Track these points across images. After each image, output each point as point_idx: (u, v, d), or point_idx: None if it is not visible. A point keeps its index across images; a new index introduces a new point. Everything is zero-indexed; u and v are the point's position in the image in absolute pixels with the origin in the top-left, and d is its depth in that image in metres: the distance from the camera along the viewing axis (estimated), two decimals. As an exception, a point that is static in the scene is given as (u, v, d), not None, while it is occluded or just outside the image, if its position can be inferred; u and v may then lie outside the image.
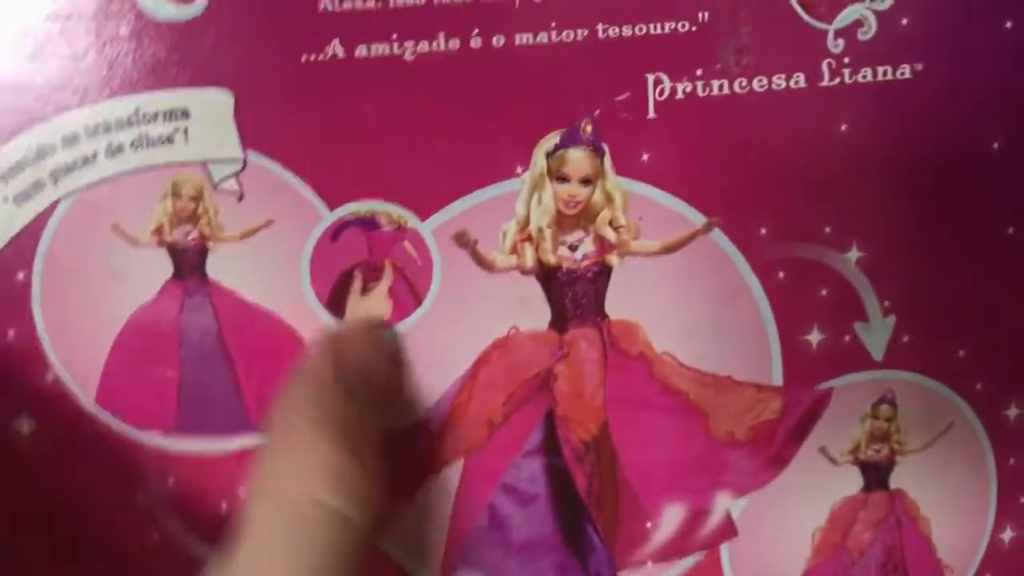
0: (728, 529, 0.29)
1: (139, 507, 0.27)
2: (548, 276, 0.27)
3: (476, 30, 0.25)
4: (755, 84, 0.26)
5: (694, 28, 0.26)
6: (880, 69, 0.27)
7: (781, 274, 0.28)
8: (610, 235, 0.27)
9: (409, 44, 0.25)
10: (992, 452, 0.30)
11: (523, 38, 0.26)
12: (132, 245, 0.26)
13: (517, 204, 0.27)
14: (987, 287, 0.29)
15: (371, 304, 0.27)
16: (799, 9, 0.26)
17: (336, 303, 0.27)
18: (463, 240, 0.26)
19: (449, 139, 0.26)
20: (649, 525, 0.29)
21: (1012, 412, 0.30)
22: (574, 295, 0.27)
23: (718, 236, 0.27)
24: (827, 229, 0.27)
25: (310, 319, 0.26)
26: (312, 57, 0.25)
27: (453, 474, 0.28)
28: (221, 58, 0.25)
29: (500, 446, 0.28)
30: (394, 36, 0.25)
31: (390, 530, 0.28)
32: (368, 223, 0.26)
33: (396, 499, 0.28)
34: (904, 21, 0.27)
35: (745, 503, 0.29)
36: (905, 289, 0.28)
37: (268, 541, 0.22)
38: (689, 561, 0.29)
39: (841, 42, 0.26)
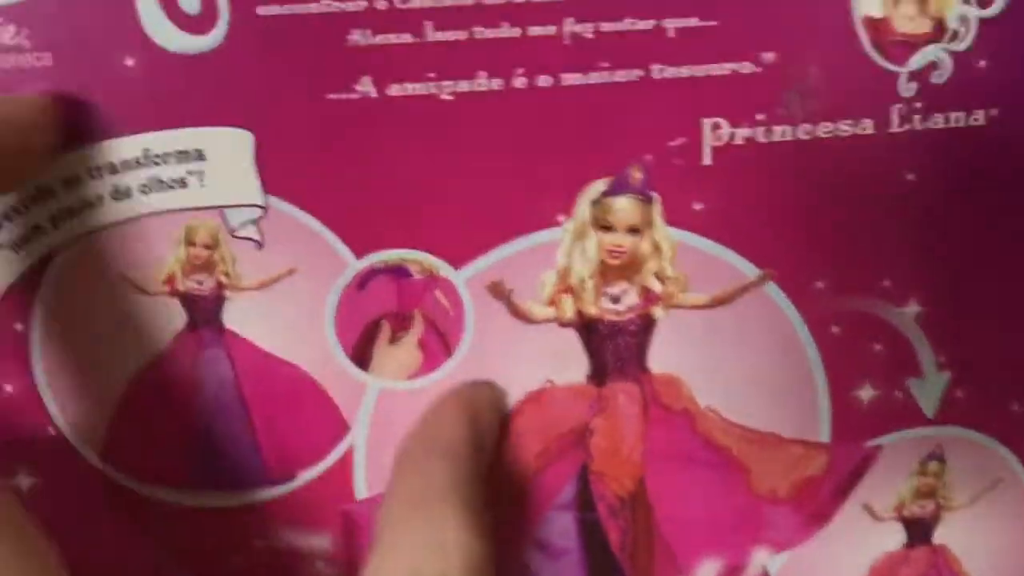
0: (763, 583, 0.28)
1: (147, 563, 0.25)
2: (588, 328, 0.25)
3: (520, 69, 0.23)
4: (820, 130, 0.24)
5: (758, 70, 0.24)
6: (953, 115, 0.25)
7: (835, 329, 0.26)
8: (656, 287, 0.25)
9: (447, 83, 0.23)
10: (1039, 507, 0.29)
11: (571, 78, 0.23)
12: (141, 294, 0.24)
13: (558, 254, 0.25)
14: (1046, 340, 0.27)
15: (400, 355, 0.25)
16: (872, 50, 0.24)
17: (362, 354, 0.25)
18: (498, 290, 0.25)
19: (487, 185, 0.24)
20: (683, 582, 0.27)
21: (1062, 466, 0.28)
22: (615, 348, 0.25)
23: (771, 289, 0.25)
24: (886, 283, 0.26)
25: (334, 371, 0.25)
26: (340, 95, 0.23)
27: (481, 530, 0.26)
28: (240, 94, 0.23)
29: (532, 500, 0.26)
30: (431, 74, 0.23)
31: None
32: (398, 271, 0.24)
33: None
34: (982, 63, 0.24)
35: (783, 559, 0.28)
36: (962, 344, 0.27)
37: None
38: (722, 616, 0.28)
39: (914, 86, 0.24)
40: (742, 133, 0.24)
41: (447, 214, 0.24)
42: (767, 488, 0.27)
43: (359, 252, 0.24)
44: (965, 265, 0.26)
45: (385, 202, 0.24)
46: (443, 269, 0.24)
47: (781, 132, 0.24)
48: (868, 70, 0.24)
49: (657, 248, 0.25)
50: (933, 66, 0.24)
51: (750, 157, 0.24)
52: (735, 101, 0.24)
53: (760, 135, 0.24)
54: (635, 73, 0.24)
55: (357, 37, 0.23)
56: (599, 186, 0.24)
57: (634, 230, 0.25)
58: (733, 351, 0.26)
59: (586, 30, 0.23)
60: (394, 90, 0.23)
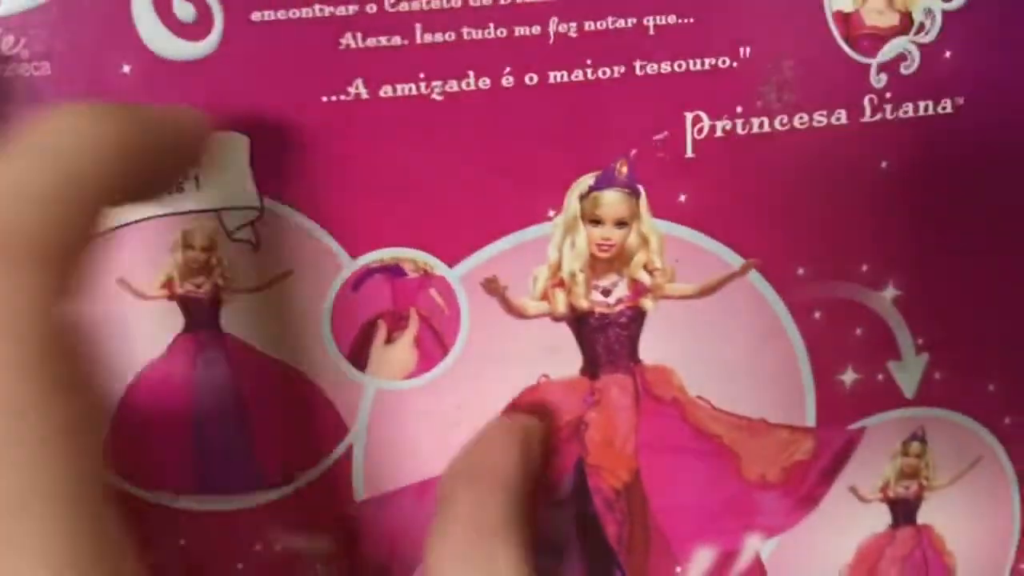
0: (757, 570, 0.28)
1: (147, 569, 0.25)
2: (580, 322, 0.26)
3: (508, 68, 0.24)
4: (796, 121, 0.25)
5: (735, 64, 0.25)
6: (922, 104, 0.26)
7: (817, 314, 0.27)
8: (645, 279, 0.26)
9: (437, 83, 0.24)
10: (1017, 485, 0.29)
11: (557, 76, 0.24)
12: (139, 299, 0.24)
13: (549, 248, 0.25)
14: (1020, 320, 0.28)
15: (396, 354, 0.25)
16: (843, 43, 0.25)
17: (359, 354, 0.25)
18: (492, 287, 0.25)
19: (478, 182, 0.24)
20: (679, 570, 0.28)
21: (1038, 444, 0.29)
22: (607, 341, 0.26)
23: (754, 277, 0.26)
24: (864, 268, 0.27)
25: (331, 372, 0.25)
26: (333, 97, 0.23)
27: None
28: (235, 99, 0.23)
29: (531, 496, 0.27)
30: (421, 75, 0.24)
31: (413, 584, 0.27)
32: (392, 271, 0.25)
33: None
34: (947, 54, 0.25)
35: (774, 543, 0.28)
36: (939, 326, 0.27)
37: None
38: (717, 603, 0.28)
39: (884, 76, 0.25)
40: (722, 125, 0.25)
41: (440, 212, 0.24)
42: (757, 474, 0.28)
43: (354, 252, 0.24)
44: (940, 248, 0.27)
45: (379, 202, 0.24)
46: (437, 267, 0.25)
47: (759, 124, 0.25)
48: (840, 62, 0.25)
49: (645, 240, 0.25)
50: (902, 57, 0.25)
51: (731, 149, 0.25)
52: (714, 95, 0.25)
53: (739, 127, 0.25)
54: (618, 70, 0.24)
55: (349, 41, 0.23)
56: (587, 180, 0.25)
57: (622, 223, 0.25)
58: (720, 340, 0.26)
59: (570, 29, 0.24)
60: (386, 91, 0.24)
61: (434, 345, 0.25)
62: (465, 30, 0.24)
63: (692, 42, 0.24)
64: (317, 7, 0.23)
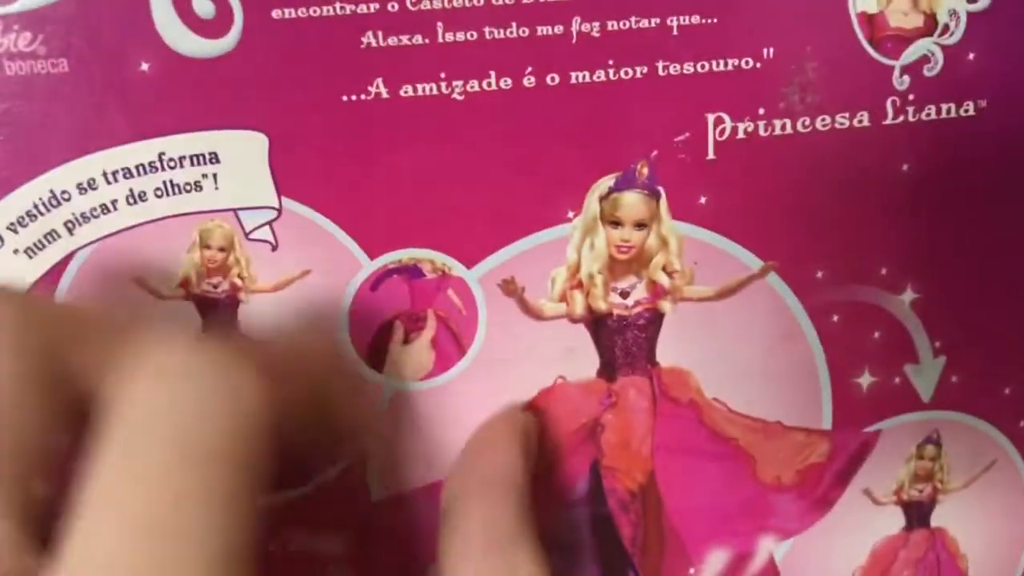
0: (771, 572, 0.28)
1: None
2: (598, 323, 0.26)
3: (530, 68, 0.24)
4: (818, 123, 0.25)
5: (758, 65, 0.24)
6: (944, 106, 0.25)
7: (835, 317, 0.27)
8: (664, 281, 0.25)
9: (458, 83, 0.23)
10: (1032, 487, 0.29)
11: (579, 76, 0.24)
12: (156, 298, 0.24)
13: (568, 249, 0.25)
14: (1036, 324, 0.28)
15: (413, 355, 0.25)
16: (867, 45, 0.25)
17: (376, 355, 0.25)
18: (510, 288, 0.25)
19: (498, 183, 0.24)
20: (693, 571, 0.28)
21: (1052, 447, 0.29)
22: (624, 343, 0.26)
23: (773, 280, 0.26)
24: (883, 271, 0.26)
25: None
26: (353, 97, 0.23)
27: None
28: (254, 97, 0.23)
29: (545, 497, 0.27)
30: (442, 75, 0.23)
31: (427, 585, 0.27)
32: (411, 271, 0.24)
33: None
34: (971, 56, 0.25)
35: (788, 545, 0.28)
36: (956, 329, 0.27)
37: None
38: (730, 605, 0.28)
39: (907, 79, 0.25)
40: (744, 127, 0.25)
41: (459, 213, 0.24)
42: (772, 476, 0.27)
43: (372, 253, 0.24)
44: (958, 252, 0.27)
45: (398, 202, 0.24)
46: (455, 268, 0.25)
47: (781, 125, 0.25)
48: (864, 64, 0.25)
49: (664, 242, 0.25)
50: (925, 59, 0.25)
51: (752, 150, 0.25)
52: (737, 96, 0.25)
53: (761, 129, 0.25)
54: (640, 70, 0.24)
55: (370, 39, 0.23)
56: (607, 182, 0.25)
57: (641, 225, 0.25)
58: (737, 342, 0.26)
59: (593, 29, 0.24)
60: (407, 91, 0.23)
61: (451, 346, 0.25)
62: (487, 29, 0.23)
63: (715, 43, 0.24)
64: (338, 5, 0.23)
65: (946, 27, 0.25)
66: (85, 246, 0.23)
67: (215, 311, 0.24)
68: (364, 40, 0.23)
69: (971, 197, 0.26)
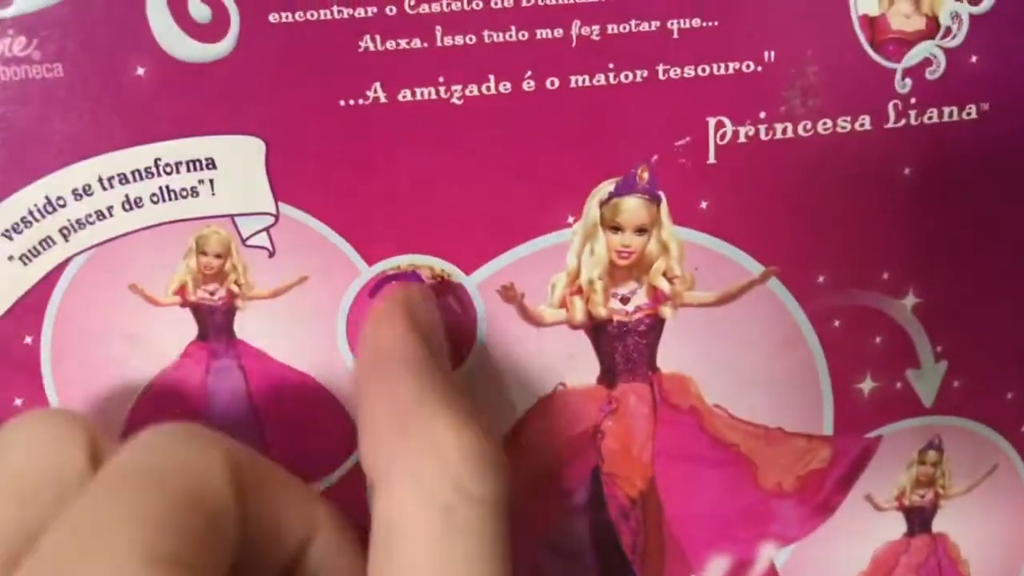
0: (771, 578, 0.28)
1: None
2: (598, 329, 0.25)
3: (529, 71, 0.23)
4: (819, 127, 0.25)
5: (759, 69, 0.24)
6: (946, 110, 0.25)
7: (836, 322, 0.26)
8: (664, 286, 0.25)
9: (457, 87, 0.23)
10: (1033, 492, 0.29)
11: (578, 80, 0.24)
12: (152, 305, 0.24)
13: (568, 255, 0.25)
14: (1038, 329, 0.28)
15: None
16: (868, 48, 0.25)
17: (373, 362, 0.25)
18: (510, 294, 0.25)
19: (497, 188, 0.24)
20: (693, 578, 0.28)
21: (1054, 452, 0.29)
22: (625, 349, 0.26)
23: (774, 285, 0.26)
24: (885, 275, 0.26)
25: (346, 379, 0.25)
26: (351, 101, 0.23)
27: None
28: (251, 102, 0.23)
29: (544, 504, 0.26)
30: (441, 79, 0.23)
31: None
32: (409, 277, 0.24)
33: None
34: (973, 59, 0.25)
35: (789, 552, 0.28)
36: (958, 334, 0.27)
37: (419, 547, 0.18)
38: (731, 612, 0.28)
39: (909, 82, 0.25)
40: (745, 131, 0.25)
41: (458, 218, 0.24)
42: (773, 483, 0.27)
43: (371, 259, 0.24)
44: (961, 256, 0.26)
45: (396, 208, 0.24)
46: (454, 274, 0.24)
47: (782, 129, 0.25)
48: (865, 67, 0.25)
49: (665, 247, 0.25)
50: (927, 62, 0.25)
51: (753, 155, 0.25)
52: (738, 100, 0.24)
53: (762, 133, 0.25)
54: (641, 74, 0.24)
55: (368, 43, 0.23)
56: (607, 187, 0.24)
57: (642, 230, 0.25)
58: (738, 348, 0.26)
59: (592, 32, 0.23)
60: (405, 95, 0.23)
61: (450, 352, 0.25)
62: (486, 33, 0.23)
63: (716, 46, 0.24)
64: (336, 9, 0.22)
65: (948, 30, 0.25)
66: (81, 252, 0.23)
67: (212, 318, 0.24)
68: (362, 44, 0.23)
69: (973, 200, 0.26)
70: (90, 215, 0.23)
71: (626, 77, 0.24)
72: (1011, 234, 0.27)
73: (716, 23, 0.24)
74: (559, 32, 0.23)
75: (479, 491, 0.19)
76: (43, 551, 0.17)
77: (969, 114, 0.25)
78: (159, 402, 0.24)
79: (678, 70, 0.24)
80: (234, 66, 0.22)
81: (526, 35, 0.23)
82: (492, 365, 0.25)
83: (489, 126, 0.24)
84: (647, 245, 0.25)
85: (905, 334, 0.27)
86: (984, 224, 0.26)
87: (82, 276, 0.23)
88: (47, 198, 0.22)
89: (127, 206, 0.23)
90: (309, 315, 0.24)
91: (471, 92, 0.23)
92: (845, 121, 0.25)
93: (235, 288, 0.24)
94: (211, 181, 0.23)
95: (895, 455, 0.28)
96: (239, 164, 0.23)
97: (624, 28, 0.24)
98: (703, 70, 0.24)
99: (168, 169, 0.23)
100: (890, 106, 0.25)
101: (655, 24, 0.24)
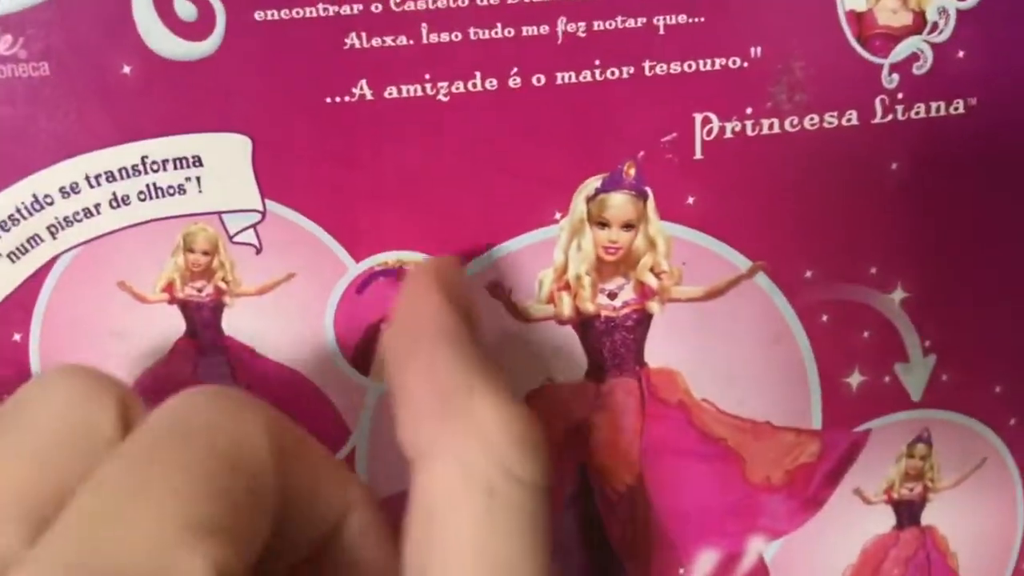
0: (761, 572, 0.28)
1: None
2: (586, 325, 0.25)
3: (515, 68, 0.23)
4: (806, 123, 0.25)
5: (745, 64, 0.24)
6: (934, 105, 0.25)
7: (824, 317, 0.26)
8: (651, 281, 0.25)
9: (443, 84, 0.23)
10: (1022, 486, 0.29)
11: (565, 76, 0.24)
12: (140, 302, 0.24)
13: (555, 251, 0.25)
14: (1026, 322, 0.28)
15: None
16: (855, 43, 0.25)
17: (362, 358, 0.25)
18: (497, 290, 0.25)
19: (484, 184, 0.24)
20: (682, 572, 0.28)
21: (1043, 445, 0.29)
22: (612, 344, 0.26)
23: (762, 280, 0.26)
24: (872, 270, 0.26)
25: (334, 376, 0.25)
26: (337, 99, 0.23)
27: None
28: (237, 100, 0.23)
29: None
30: (427, 76, 0.23)
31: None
32: (397, 274, 0.24)
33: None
34: (960, 54, 0.25)
35: (778, 545, 0.28)
36: (947, 328, 0.27)
37: (462, 527, 0.18)
38: (720, 605, 0.28)
39: (896, 77, 0.25)
40: (732, 127, 0.25)
41: (445, 215, 0.24)
42: (762, 477, 0.27)
43: (358, 255, 0.24)
44: (949, 250, 0.27)
45: (383, 204, 0.24)
46: (442, 269, 0.24)
47: (768, 125, 0.25)
48: (852, 63, 0.25)
49: (652, 243, 0.25)
50: (914, 57, 0.25)
51: (740, 150, 0.25)
52: (724, 96, 0.24)
53: (749, 128, 0.25)
54: (627, 70, 0.24)
55: (353, 40, 0.23)
56: (594, 183, 0.24)
57: (629, 226, 0.25)
58: (726, 342, 0.26)
59: (579, 29, 0.23)
60: (391, 92, 0.23)
61: (438, 348, 0.25)
62: (472, 30, 0.23)
63: (702, 42, 0.24)
64: (321, 6, 0.22)
65: (935, 25, 0.25)
66: (68, 250, 0.23)
67: (199, 315, 0.24)
68: (348, 41, 0.23)
69: (961, 195, 0.26)
70: (77, 213, 0.23)
71: (612, 74, 0.24)
72: (999, 228, 0.27)
73: (702, 19, 0.24)
74: (545, 29, 0.23)
75: (522, 473, 0.19)
76: (72, 517, 0.16)
77: (956, 109, 0.25)
78: (147, 398, 0.24)
79: (664, 66, 0.24)
80: (220, 64, 0.22)
81: (512, 32, 0.23)
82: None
83: (475, 123, 0.24)
84: (634, 241, 0.25)
85: (893, 328, 0.27)
86: (972, 219, 0.26)
87: (70, 273, 0.23)
88: (34, 196, 0.23)
89: (114, 204, 0.23)
90: (297, 312, 0.24)
91: (457, 89, 0.23)
92: (832, 116, 0.25)
93: (223, 285, 0.24)
94: (198, 178, 0.23)
95: (884, 449, 0.28)
96: (226, 161, 0.23)
97: (610, 25, 0.24)
98: (689, 66, 0.24)
99: (155, 167, 0.23)
100: (877, 101, 0.25)
101: (641, 20, 0.24)
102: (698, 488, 0.27)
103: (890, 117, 0.25)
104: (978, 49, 0.25)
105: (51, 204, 0.23)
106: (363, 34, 0.23)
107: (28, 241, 0.23)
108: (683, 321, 0.26)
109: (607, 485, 0.27)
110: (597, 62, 0.24)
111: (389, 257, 0.24)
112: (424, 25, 0.23)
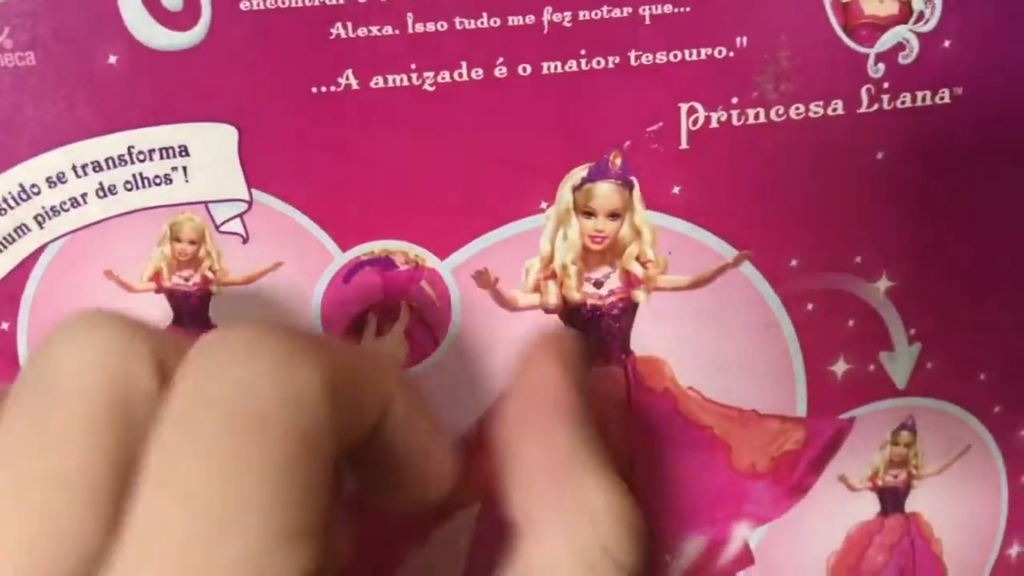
0: (745, 558, 0.28)
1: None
2: (572, 314, 0.26)
3: (501, 58, 0.23)
4: (792, 112, 0.25)
5: (731, 54, 0.24)
6: (919, 94, 0.25)
7: (810, 306, 0.27)
8: (637, 270, 0.25)
9: (429, 74, 0.23)
10: (1005, 474, 0.30)
11: (550, 66, 0.24)
12: (127, 291, 0.24)
13: (541, 240, 0.25)
14: (1012, 310, 0.28)
15: (386, 347, 0.25)
16: (841, 32, 0.25)
17: (348, 347, 0.25)
18: (484, 279, 0.25)
19: (470, 174, 0.24)
20: (668, 558, 0.28)
21: (1026, 432, 0.29)
22: (598, 333, 0.26)
23: (747, 269, 0.26)
24: (858, 259, 0.26)
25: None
26: (323, 88, 0.23)
27: (469, 516, 0.26)
28: (223, 90, 0.23)
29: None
30: (413, 65, 0.23)
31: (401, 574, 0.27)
32: (383, 263, 0.24)
33: (411, 541, 0.27)
34: (946, 44, 0.25)
35: (763, 531, 0.28)
36: (932, 317, 0.27)
37: None
38: (706, 591, 0.28)
39: (882, 66, 0.25)
40: (717, 116, 0.25)
41: (431, 204, 0.24)
42: (747, 464, 0.28)
43: (344, 245, 0.24)
44: (934, 239, 0.27)
45: (369, 194, 0.24)
46: (428, 259, 0.25)
47: (754, 115, 0.25)
48: (838, 52, 0.25)
49: (638, 232, 0.25)
50: (900, 47, 0.25)
51: (726, 140, 0.25)
52: (710, 85, 0.24)
53: (735, 118, 0.25)
54: (613, 60, 0.24)
55: (339, 30, 0.23)
56: (580, 172, 0.25)
57: (615, 215, 0.25)
58: (712, 331, 0.26)
59: (564, 19, 0.24)
60: (377, 82, 0.23)
61: (425, 337, 0.25)
62: (457, 20, 0.23)
63: (688, 32, 0.24)
64: (307, -4, 0.22)
65: (921, 14, 0.25)
66: (55, 239, 0.23)
67: (186, 304, 0.24)
68: (333, 31, 0.23)
69: (947, 185, 0.26)
70: (64, 202, 0.23)
71: (598, 63, 0.24)
72: (985, 218, 0.27)
73: (688, 9, 0.24)
74: (531, 19, 0.23)
75: (624, 560, 0.19)
76: (147, 533, 0.15)
77: (942, 99, 0.26)
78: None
79: (650, 56, 0.24)
80: (206, 54, 0.22)
81: (498, 22, 0.23)
82: (467, 350, 0.25)
83: (461, 112, 0.24)
84: (620, 230, 0.25)
85: (878, 317, 0.27)
86: (958, 208, 0.27)
87: (57, 263, 0.23)
88: (21, 186, 0.23)
89: (101, 193, 0.23)
90: (283, 300, 0.24)
91: (443, 79, 0.23)
92: (818, 106, 0.25)
93: (209, 274, 0.24)
94: (184, 168, 0.23)
95: (868, 436, 0.28)
96: (212, 151, 0.23)
97: (595, 14, 0.24)
98: (675, 56, 0.24)
99: (141, 156, 0.23)
100: (863, 91, 0.25)
101: (627, 10, 0.24)
102: (684, 475, 0.27)
103: (876, 107, 0.25)
104: (964, 39, 0.25)
105: (38, 194, 0.23)
106: (349, 24, 0.23)
107: (15, 231, 0.23)
108: (669, 310, 0.26)
109: (593, 472, 0.27)
110: (583, 52, 0.24)
111: (375, 246, 0.24)
112: (410, 15, 0.23)
